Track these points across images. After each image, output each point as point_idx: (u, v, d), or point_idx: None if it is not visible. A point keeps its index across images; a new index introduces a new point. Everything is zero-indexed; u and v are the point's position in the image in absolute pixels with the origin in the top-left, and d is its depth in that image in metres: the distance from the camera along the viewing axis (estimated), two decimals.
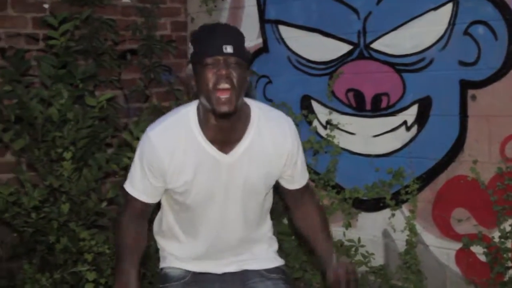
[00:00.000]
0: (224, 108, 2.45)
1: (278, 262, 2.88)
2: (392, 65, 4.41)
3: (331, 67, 4.74)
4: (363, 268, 4.61)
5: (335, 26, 4.70)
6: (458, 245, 4.19)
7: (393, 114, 4.44)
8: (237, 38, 2.52)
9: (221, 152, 2.59)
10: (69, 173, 3.94)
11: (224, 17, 5.45)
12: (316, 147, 4.80)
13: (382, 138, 4.52)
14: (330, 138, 4.76)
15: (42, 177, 4.05)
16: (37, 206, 3.89)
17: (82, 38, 5.08)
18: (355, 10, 4.56)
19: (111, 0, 5.33)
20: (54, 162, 4.05)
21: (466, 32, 4.07)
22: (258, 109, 2.68)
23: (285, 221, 4.87)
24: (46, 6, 5.08)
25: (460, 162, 4.16)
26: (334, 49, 4.71)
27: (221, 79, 2.44)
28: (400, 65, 4.36)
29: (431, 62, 4.23)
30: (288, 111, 4.93)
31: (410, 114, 4.36)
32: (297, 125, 4.73)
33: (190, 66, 2.61)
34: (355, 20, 4.57)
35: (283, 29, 5.04)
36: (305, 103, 4.93)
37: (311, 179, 4.79)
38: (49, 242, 4.00)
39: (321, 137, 4.84)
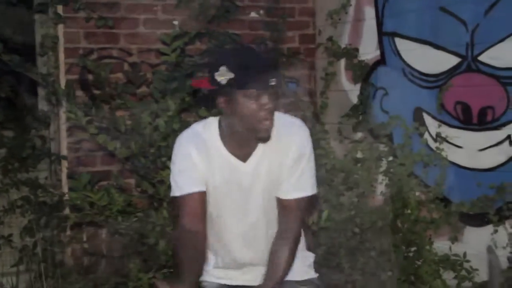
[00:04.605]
0: (265, 134, 2.63)
1: (311, 275, 2.95)
2: (497, 78, 4.31)
3: (441, 80, 4.70)
4: (466, 284, 4.52)
5: (445, 38, 4.65)
6: None
7: (497, 128, 4.34)
8: (277, 66, 2.65)
9: (240, 160, 2.73)
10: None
11: (347, 29, 5.54)
12: (426, 160, 4.78)
13: (487, 152, 4.42)
14: (439, 151, 4.71)
15: (137, 184, 4.37)
16: (122, 210, 4.19)
17: (206, 52, 5.37)
18: (463, 22, 4.50)
19: (237, 15, 5.57)
20: (160, 170, 4.34)
21: None
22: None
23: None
24: (175, 22, 5.43)
25: None
26: (444, 61, 4.66)
27: (267, 113, 2.57)
28: (505, 78, 4.26)
29: None
30: (401, 124, 4.95)
31: None
32: (409, 137, 4.87)
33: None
34: (463, 32, 4.51)
35: (398, 41, 5.05)
36: (417, 115, 4.91)
37: (421, 192, 4.81)
38: (150, 244, 4.30)
39: (431, 149, 4.80)
